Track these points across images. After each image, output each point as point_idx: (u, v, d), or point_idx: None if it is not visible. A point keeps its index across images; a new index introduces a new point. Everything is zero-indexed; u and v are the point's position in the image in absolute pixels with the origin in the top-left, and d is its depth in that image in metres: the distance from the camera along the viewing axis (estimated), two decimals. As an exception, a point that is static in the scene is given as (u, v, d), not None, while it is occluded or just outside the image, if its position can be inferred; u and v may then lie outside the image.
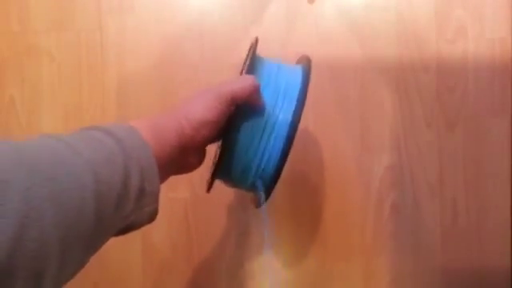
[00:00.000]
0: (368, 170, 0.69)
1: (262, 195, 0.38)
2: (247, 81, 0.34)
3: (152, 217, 0.30)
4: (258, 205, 0.39)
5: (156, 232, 0.69)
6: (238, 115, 0.34)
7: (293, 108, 0.34)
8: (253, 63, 0.35)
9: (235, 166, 0.35)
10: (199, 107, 0.33)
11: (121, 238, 0.77)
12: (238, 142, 0.34)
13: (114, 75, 0.70)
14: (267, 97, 0.35)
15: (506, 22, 0.69)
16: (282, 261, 0.69)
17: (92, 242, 0.24)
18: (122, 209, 0.26)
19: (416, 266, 0.69)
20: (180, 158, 0.33)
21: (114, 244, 0.69)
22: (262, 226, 0.59)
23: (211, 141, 0.36)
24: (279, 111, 0.34)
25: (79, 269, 0.24)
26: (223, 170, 0.35)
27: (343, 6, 0.69)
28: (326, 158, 0.69)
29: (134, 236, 0.68)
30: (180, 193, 0.68)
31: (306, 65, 0.37)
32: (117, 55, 0.70)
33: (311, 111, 0.68)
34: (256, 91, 0.35)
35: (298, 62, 0.43)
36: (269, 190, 0.36)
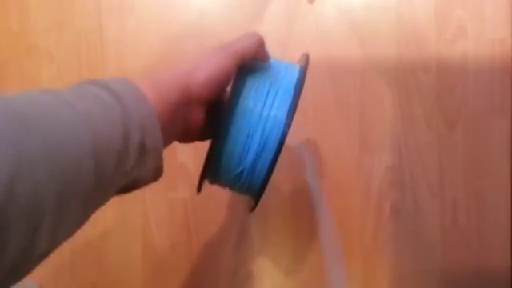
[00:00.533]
0: (368, 170, 0.69)
1: (252, 197, 0.36)
2: (253, 36, 0.34)
3: (157, 174, 0.29)
4: (250, 209, 0.37)
5: (156, 232, 0.69)
6: (239, 84, 0.33)
7: (287, 107, 0.33)
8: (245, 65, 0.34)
9: (224, 165, 0.34)
10: (206, 63, 0.32)
11: (120, 237, 0.77)
12: (228, 139, 0.33)
13: (114, 75, 0.70)
14: (260, 92, 0.34)
15: (506, 22, 0.69)
16: (281, 261, 0.69)
17: (92, 199, 0.23)
18: (123, 165, 0.25)
19: (416, 266, 0.69)
20: (184, 117, 0.32)
21: (113, 243, 0.69)
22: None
23: (217, 100, 0.34)
24: (271, 108, 0.33)
25: (79, 226, 0.24)
26: (212, 168, 0.34)
27: (343, 6, 0.69)
28: (325, 158, 0.69)
29: (134, 236, 0.69)
30: (180, 193, 0.68)
31: (304, 63, 0.37)
32: (117, 55, 0.70)
33: (311, 111, 0.68)
34: (263, 46, 0.35)
35: (299, 61, 0.43)
36: (260, 190, 0.34)
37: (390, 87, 0.69)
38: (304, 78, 0.34)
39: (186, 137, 0.35)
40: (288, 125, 0.32)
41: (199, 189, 0.36)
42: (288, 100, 0.33)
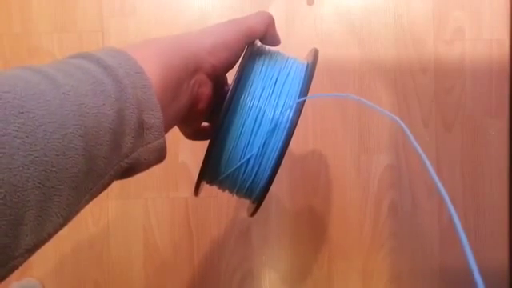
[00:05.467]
0: (366, 170, 0.69)
1: (254, 202, 0.33)
2: (264, 14, 0.32)
3: (160, 155, 0.26)
4: (250, 213, 0.35)
5: (157, 231, 0.70)
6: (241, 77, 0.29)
7: (295, 100, 0.29)
8: (252, 50, 0.31)
9: (224, 160, 0.31)
10: (214, 31, 0.29)
11: (122, 236, 0.77)
12: (231, 129, 0.29)
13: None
14: (261, 89, 0.30)
15: (503, 24, 0.69)
16: (281, 260, 0.70)
17: (85, 185, 0.21)
18: (119, 145, 0.22)
19: (414, 264, 0.69)
20: (189, 92, 0.28)
21: (115, 242, 0.70)
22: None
23: (225, 70, 0.31)
24: (278, 100, 0.30)
25: (72, 216, 0.22)
26: (211, 165, 0.31)
27: (342, 8, 0.70)
28: (324, 159, 0.69)
29: (135, 235, 0.69)
30: (181, 192, 0.69)
31: (312, 60, 0.34)
32: (118, 56, 0.70)
33: (310, 111, 0.69)
34: (273, 26, 0.33)
35: (307, 57, 0.39)
36: (262, 193, 0.31)
37: (389, 88, 0.69)
38: (313, 70, 0.32)
39: (190, 116, 0.31)
40: (296, 119, 0.29)
41: (197, 189, 0.34)
42: (297, 91, 0.30)
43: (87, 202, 0.22)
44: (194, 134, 0.35)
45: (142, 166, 0.25)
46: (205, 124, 0.35)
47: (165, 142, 0.26)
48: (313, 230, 0.70)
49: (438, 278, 0.69)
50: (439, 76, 0.69)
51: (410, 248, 0.69)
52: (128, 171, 0.25)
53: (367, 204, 0.69)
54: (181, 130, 0.34)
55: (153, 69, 0.25)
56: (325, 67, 0.69)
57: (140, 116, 0.23)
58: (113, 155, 0.22)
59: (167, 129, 0.27)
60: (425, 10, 0.69)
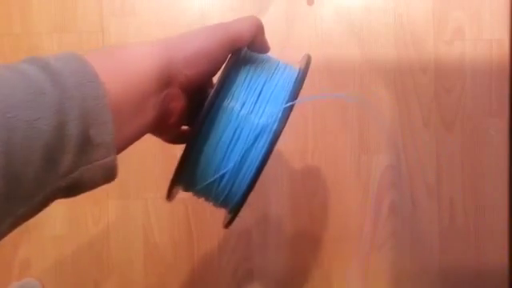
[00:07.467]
0: (366, 170, 0.69)
1: (230, 212, 0.32)
2: (252, 20, 0.29)
3: (109, 174, 0.23)
4: (226, 224, 0.33)
5: (157, 231, 0.70)
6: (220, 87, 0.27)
7: (280, 110, 0.27)
8: (236, 58, 0.29)
9: (200, 170, 0.29)
10: (193, 38, 0.26)
11: (122, 236, 0.77)
12: (208, 139, 0.27)
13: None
14: (252, 89, 0.28)
15: (503, 23, 0.69)
16: (280, 260, 0.70)
17: (6, 207, 0.18)
18: (57, 164, 0.20)
19: (414, 264, 0.69)
20: (159, 104, 0.25)
21: (115, 242, 0.70)
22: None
23: (204, 81, 0.28)
24: (263, 111, 0.28)
25: None
26: (186, 173, 0.29)
27: (342, 8, 0.70)
28: (324, 159, 0.69)
29: (135, 235, 0.69)
30: (181, 193, 0.69)
31: (304, 65, 0.31)
32: (118, 56, 0.70)
33: (311, 111, 0.69)
34: (262, 33, 0.30)
35: (299, 62, 0.37)
36: (236, 207, 0.29)
37: (389, 88, 0.69)
38: (303, 79, 0.29)
39: (161, 129, 0.29)
40: (279, 132, 0.27)
41: (169, 195, 0.31)
42: (283, 102, 0.28)
43: (14, 225, 0.20)
44: (172, 141, 0.32)
45: (86, 186, 0.22)
46: (185, 128, 0.32)
47: (115, 161, 0.23)
48: (313, 230, 0.70)
49: (438, 277, 0.69)
50: (439, 76, 0.69)
51: (409, 248, 0.69)
52: (71, 190, 0.22)
53: (367, 204, 0.69)
54: (156, 136, 0.31)
55: (113, 79, 0.22)
56: (325, 67, 0.69)
57: (86, 131, 0.20)
58: (46, 174, 0.19)
59: (125, 145, 0.25)
60: (425, 10, 0.69)
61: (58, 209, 0.69)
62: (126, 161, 0.68)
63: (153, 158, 0.67)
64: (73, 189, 0.22)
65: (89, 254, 0.70)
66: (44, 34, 0.71)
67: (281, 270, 0.70)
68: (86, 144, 0.21)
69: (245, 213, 0.76)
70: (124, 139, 0.23)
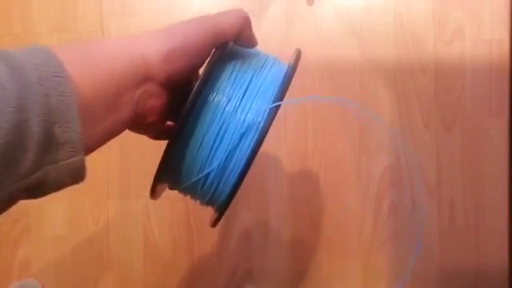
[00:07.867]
0: (366, 170, 0.69)
1: (216, 211, 0.31)
2: (237, 13, 0.27)
3: (77, 174, 0.22)
4: (213, 223, 0.32)
5: (157, 230, 0.70)
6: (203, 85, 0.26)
7: (267, 107, 0.26)
8: (221, 53, 0.27)
9: (183, 168, 0.28)
10: (174, 32, 0.25)
11: (122, 236, 0.77)
12: (192, 137, 0.26)
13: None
14: (238, 84, 0.27)
15: (503, 23, 0.69)
16: (280, 260, 0.70)
17: None
18: (17, 163, 0.19)
19: (414, 265, 0.69)
20: (136, 101, 0.24)
21: (115, 241, 0.70)
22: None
23: (186, 77, 0.26)
24: (250, 106, 0.26)
25: None
26: (169, 171, 0.28)
27: (342, 8, 0.70)
28: (324, 159, 0.69)
29: (135, 234, 0.69)
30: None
31: (293, 60, 0.30)
32: (118, 56, 0.71)
33: (311, 111, 0.69)
34: (248, 26, 0.28)
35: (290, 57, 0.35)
36: (222, 207, 0.28)
37: (389, 88, 0.69)
38: (292, 75, 0.28)
39: (141, 127, 0.27)
40: (266, 130, 0.26)
41: (152, 192, 0.30)
42: (270, 98, 0.26)
43: None
44: (157, 137, 0.31)
45: (51, 186, 0.21)
46: (170, 123, 0.31)
47: (83, 161, 0.21)
48: (312, 229, 0.70)
49: (438, 278, 0.69)
50: (439, 76, 0.69)
51: (410, 248, 0.69)
52: (35, 191, 0.21)
53: (367, 204, 0.69)
54: (139, 134, 0.30)
55: (83, 73, 0.21)
56: (325, 67, 0.69)
57: (50, 129, 0.19)
58: (5, 174, 0.18)
59: (97, 144, 0.23)
60: (425, 10, 0.69)
61: (58, 209, 0.69)
62: (126, 161, 0.69)
63: (153, 158, 0.67)
64: (36, 189, 0.21)
65: (89, 254, 0.70)
66: (44, 34, 0.71)
67: (280, 270, 0.70)
68: (49, 142, 0.19)
69: (245, 213, 0.76)
70: (95, 137, 0.22)
